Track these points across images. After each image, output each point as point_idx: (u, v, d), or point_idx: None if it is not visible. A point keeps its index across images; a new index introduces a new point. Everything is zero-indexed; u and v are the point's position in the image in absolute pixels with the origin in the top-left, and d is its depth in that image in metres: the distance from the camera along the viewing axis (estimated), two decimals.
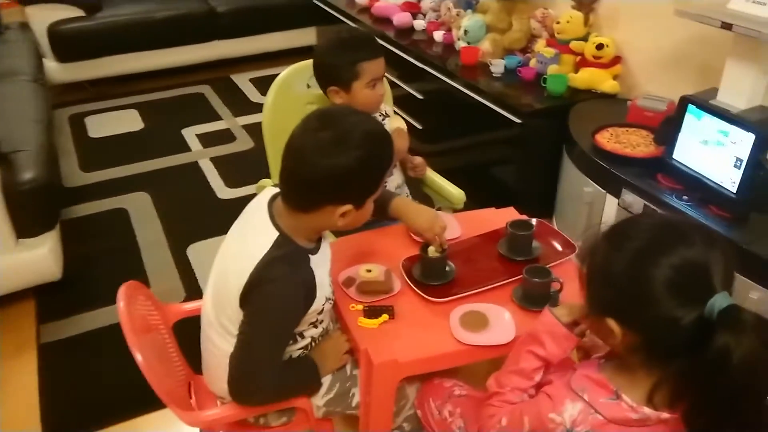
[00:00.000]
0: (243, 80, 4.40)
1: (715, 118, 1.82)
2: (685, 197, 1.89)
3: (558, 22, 2.66)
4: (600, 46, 2.51)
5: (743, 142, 1.74)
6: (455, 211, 2.07)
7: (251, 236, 1.30)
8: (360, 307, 1.50)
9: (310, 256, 1.30)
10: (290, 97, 2.01)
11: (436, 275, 1.57)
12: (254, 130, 3.72)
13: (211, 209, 2.99)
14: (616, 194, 2.06)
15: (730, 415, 0.89)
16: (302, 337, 1.39)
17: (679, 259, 0.91)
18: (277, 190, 1.33)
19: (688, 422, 0.93)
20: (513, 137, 2.52)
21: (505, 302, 1.52)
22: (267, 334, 1.27)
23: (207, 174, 3.28)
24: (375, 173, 1.28)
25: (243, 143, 3.60)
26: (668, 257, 0.91)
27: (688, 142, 1.93)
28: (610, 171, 2.08)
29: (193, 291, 2.45)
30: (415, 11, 3.48)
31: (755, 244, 1.70)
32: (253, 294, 1.23)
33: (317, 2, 4.13)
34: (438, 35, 3.17)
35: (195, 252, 2.68)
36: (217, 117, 3.90)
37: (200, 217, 2.92)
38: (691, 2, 2.18)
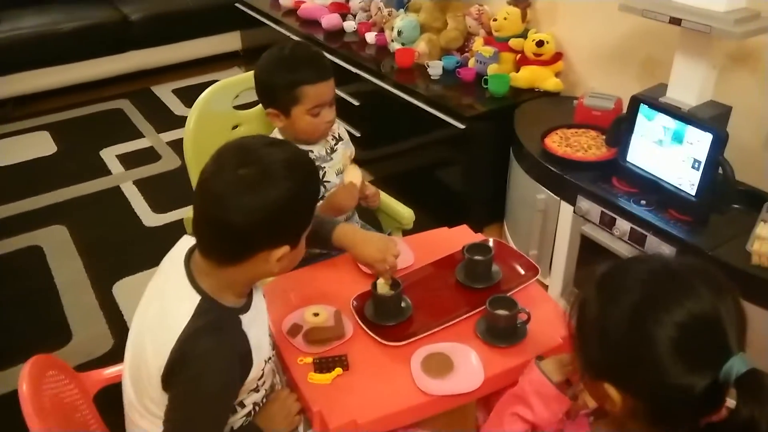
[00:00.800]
0: (165, 92, 4.11)
1: (669, 118, 1.74)
2: (643, 202, 1.81)
3: (495, 19, 2.54)
4: (540, 43, 2.41)
5: (700, 142, 1.66)
6: (404, 231, 1.92)
7: (169, 303, 1.11)
8: (309, 360, 1.33)
9: (240, 317, 1.12)
10: (214, 120, 1.81)
11: (390, 314, 1.41)
12: (181, 147, 3.46)
13: (137, 239, 2.74)
14: (571, 201, 1.96)
15: None
16: (242, 406, 1.20)
17: (684, 316, 0.79)
18: (191, 239, 1.14)
19: None
20: (457, 143, 2.39)
21: (468, 338, 1.38)
22: (199, 420, 1.08)
23: (131, 199, 3.01)
24: (307, 204, 1.14)
25: (169, 162, 3.34)
26: (672, 314, 0.79)
27: (641, 143, 1.84)
28: (563, 177, 1.98)
29: (123, 336, 2.20)
30: (344, 12, 3.30)
31: (720, 248, 1.62)
32: (176, 375, 1.04)
33: (239, 5, 3.89)
34: (370, 37, 3.00)
35: (122, 290, 2.44)
36: (138, 134, 3.62)
37: (125, 249, 2.67)
38: None
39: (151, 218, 2.87)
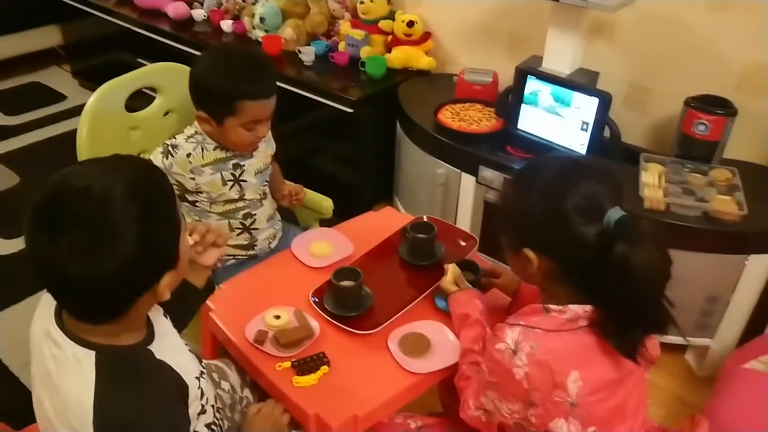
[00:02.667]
0: None
1: (555, 87, 1.91)
2: None
3: (362, 2, 2.56)
4: (411, 24, 2.48)
5: (587, 106, 1.85)
6: (323, 221, 1.90)
7: (62, 378, 0.91)
8: (287, 364, 1.28)
9: (149, 348, 0.99)
10: (109, 127, 1.62)
11: (354, 304, 1.41)
12: (15, 161, 3.05)
13: None
14: (472, 172, 2.08)
15: (635, 315, 1.00)
16: None
17: (583, 191, 1.02)
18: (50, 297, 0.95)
19: (600, 325, 1.03)
20: (346, 126, 2.39)
21: (429, 312, 1.43)
22: None
23: None
24: (169, 223, 0.94)
25: (4, 180, 2.91)
26: (576, 187, 1.02)
27: (530, 111, 2.00)
28: (463, 150, 2.08)
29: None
30: (189, 0, 3.10)
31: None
32: None
33: None
34: (227, 25, 2.86)
35: None
36: None
37: None
38: None
39: (1, 246, 2.50)
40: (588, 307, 1.03)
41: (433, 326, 1.38)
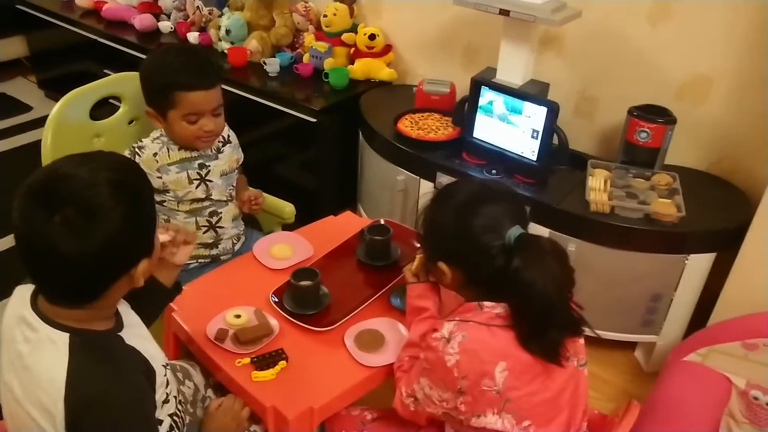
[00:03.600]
0: None
1: (508, 97, 2.00)
2: (493, 171, 2.07)
3: (325, 16, 2.64)
4: (372, 36, 2.57)
5: (537, 115, 1.94)
6: (285, 225, 1.96)
7: (35, 358, 0.97)
8: (246, 360, 1.34)
9: (119, 335, 1.05)
10: (72, 136, 1.67)
11: (312, 303, 1.47)
12: None
13: None
14: (430, 178, 2.16)
15: (541, 320, 1.09)
16: (160, 422, 1.09)
17: (490, 210, 1.16)
18: (25, 286, 1.04)
19: (515, 332, 1.11)
20: (309, 135, 2.46)
21: (385, 310, 1.50)
22: None
23: None
24: (146, 214, 1.03)
25: None
26: (483, 208, 1.16)
27: (484, 120, 2.09)
28: (420, 157, 2.16)
29: None
30: (156, 12, 3.14)
31: (564, 201, 1.93)
32: (83, 425, 0.93)
33: (22, 7, 3.48)
34: (193, 37, 2.91)
35: None
36: None
37: None
38: None
39: None
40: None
41: (388, 323, 1.45)
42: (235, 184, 1.79)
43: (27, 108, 3.66)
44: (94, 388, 0.95)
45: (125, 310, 1.12)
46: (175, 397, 1.15)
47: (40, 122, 3.45)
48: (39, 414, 0.95)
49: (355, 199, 2.68)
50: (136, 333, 1.09)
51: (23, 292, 1.04)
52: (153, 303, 1.28)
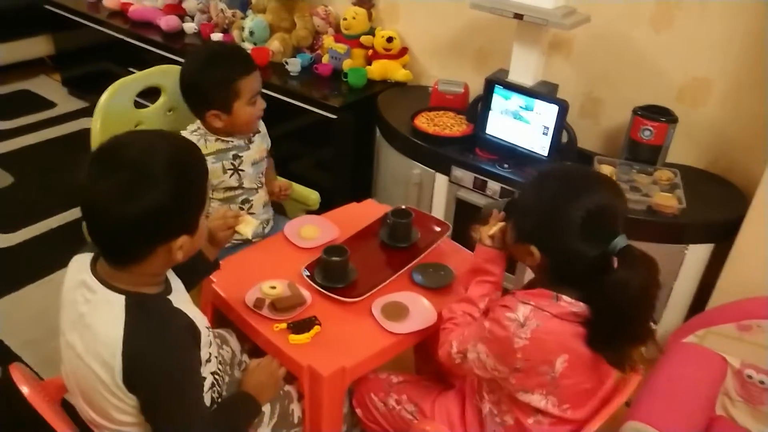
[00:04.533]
0: None
1: (520, 96, 2.13)
2: (505, 165, 2.19)
3: (345, 19, 2.78)
4: (390, 39, 2.71)
5: (548, 112, 2.07)
6: (309, 212, 2.09)
7: (95, 317, 1.08)
8: (283, 325, 1.46)
9: (168, 298, 1.16)
10: (118, 122, 1.79)
11: (341, 277, 1.59)
12: (9, 163, 3.17)
13: None
14: (445, 172, 2.29)
15: (624, 330, 1.13)
16: (203, 379, 1.22)
17: (590, 204, 1.12)
18: (83, 255, 1.16)
19: (589, 337, 1.15)
20: (329, 131, 2.59)
21: (407, 286, 1.62)
22: (180, 403, 1.12)
23: None
24: (195, 195, 1.12)
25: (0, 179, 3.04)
26: (581, 201, 1.12)
27: (497, 117, 2.23)
28: (437, 152, 2.29)
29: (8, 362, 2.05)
30: (180, 14, 3.28)
31: None
32: (138, 376, 1.06)
33: (49, 7, 3.62)
34: (216, 38, 3.05)
35: None
36: None
37: None
38: None
39: (1, 240, 2.62)
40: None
41: (411, 296, 1.57)
42: (264, 172, 1.91)
43: (51, 104, 3.79)
44: (147, 344, 1.06)
45: (171, 276, 1.23)
46: (216, 357, 1.28)
47: (64, 118, 3.65)
48: (99, 367, 1.07)
49: (369, 192, 2.81)
50: (182, 297, 1.21)
51: (82, 259, 1.16)
52: (194, 273, 1.39)
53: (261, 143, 1.87)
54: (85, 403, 1.16)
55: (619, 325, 1.12)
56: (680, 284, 2.08)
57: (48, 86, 4.02)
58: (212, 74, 1.65)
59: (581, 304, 1.15)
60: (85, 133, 3.44)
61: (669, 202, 1.97)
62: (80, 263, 1.15)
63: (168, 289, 1.19)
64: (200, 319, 1.21)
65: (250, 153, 1.83)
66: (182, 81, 1.71)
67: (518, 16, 2.07)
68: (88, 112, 3.65)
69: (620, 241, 1.11)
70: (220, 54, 1.69)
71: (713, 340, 1.81)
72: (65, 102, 3.82)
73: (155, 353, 1.07)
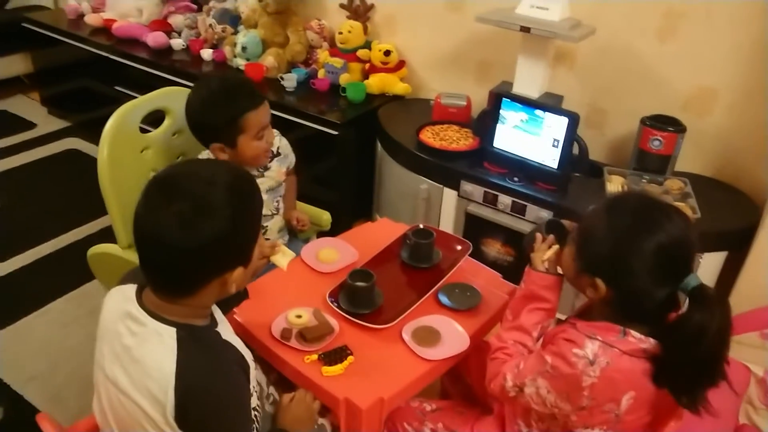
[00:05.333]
0: None
1: (528, 108, 2.12)
2: (515, 179, 2.17)
3: (341, 33, 2.74)
4: (387, 52, 2.68)
5: (558, 125, 2.06)
6: (321, 233, 2.04)
7: (144, 349, 1.04)
8: (314, 356, 1.41)
9: (217, 330, 1.13)
10: (125, 148, 1.72)
11: (368, 302, 1.54)
12: None
13: None
14: (454, 186, 2.26)
15: (700, 372, 1.09)
16: None
17: (664, 238, 1.07)
18: (126, 286, 1.12)
19: (663, 369, 1.10)
20: (330, 148, 2.55)
21: (435, 309, 1.58)
22: None
23: None
24: (251, 224, 1.10)
25: None
26: (655, 236, 1.07)
27: (505, 130, 2.21)
28: (444, 166, 2.27)
29: (10, 398, 1.95)
30: (166, 30, 3.20)
31: (588, 207, 2.04)
32: (192, 412, 1.01)
33: (28, 25, 3.50)
34: (206, 54, 2.99)
35: None
36: None
37: None
38: (467, 7, 2.48)
39: None
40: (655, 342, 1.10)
41: (441, 319, 1.53)
42: (281, 197, 1.86)
43: (31, 125, 3.67)
44: (202, 379, 1.01)
45: (216, 311, 1.18)
46: (256, 391, 1.22)
47: (46, 138, 3.54)
48: (148, 403, 1.01)
49: (370, 209, 2.77)
50: (228, 330, 1.17)
51: (125, 290, 1.10)
52: (227, 303, 1.34)
53: (279, 167, 1.82)
54: None
55: (695, 368, 1.07)
56: None
57: (26, 106, 3.89)
58: (218, 110, 1.59)
59: (651, 340, 1.10)
60: (71, 154, 3.37)
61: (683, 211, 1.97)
62: (123, 294, 1.10)
63: (215, 321, 1.14)
64: (247, 352, 1.16)
65: (264, 180, 1.78)
66: (187, 113, 1.65)
67: (525, 30, 2.06)
68: (71, 132, 3.56)
69: (693, 279, 1.07)
70: (226, 89, 1.61)
71: (736, 348, 1.79)
72: (46, 122, 3.70)
73: (210, 389, 1.02)
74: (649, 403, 1.14)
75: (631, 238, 1.08)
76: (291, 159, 1.87)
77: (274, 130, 1.77)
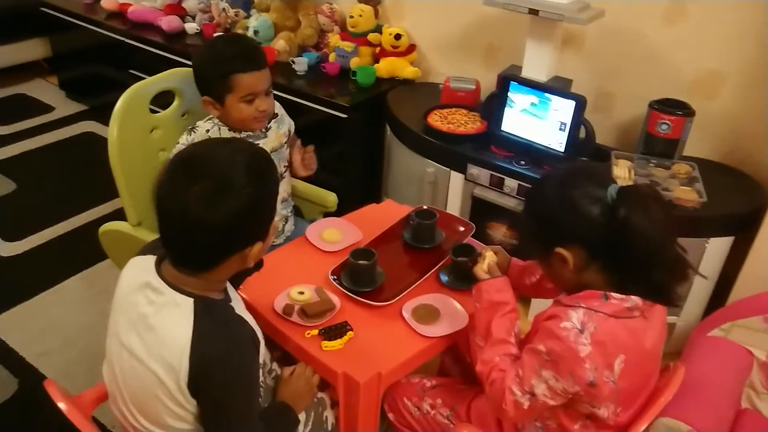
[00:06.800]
0: None
1: (536, 91, 2.12)
2: (522, 162, 2.18)
3: (351, 16, 2.75)
4: (398, 36, 2.68)
5: (565, 108, 2.06)
6: (327, 213, 2.06)
7: (160, 318, 1.08)
8: (315, 332, 1.44)
9: (231, 305, 1.16)
10: (134, 127, 1.76)
11: (370, 281, 1.57)
12: (9, 169, 3.11)
13: None
14: (461, 170, 2.27)
15: (650, 261, 1.11)
16: None
17: (586, 181, 1.17)
18: (145, 257, 1.15)
19: (619, 274, 1.14)
20: (339, 131, 2.57)
21: (435, 288, 1.61)
22: (241, 408, 1.11)
23: None
24: (270, 201, 1.14)
25: (1, 187, 2.98)
26: (580, 181, 1.17)
27: (512, 114, 2.21)
28: (452, 150, 2.28)
29: (26, 375, 2.01)
30: (181, 14, 3.24)
31: None
32: (204, 381, 1.05)
33: (46, 9, 3.56)
34: None
35: (3, 327, 2.18)
36: None
37: None
38: None
39: (6, 248, 2.58)
40: (640, 300, 1.13)
41: (441, 298, 1.55)
42: (287, 162, 1.89)
43: (50, 108, 3.74)
44: (216, 349, 1.06)
45: (229, 286, 1.22)
46: (261, 366, 1.25)
47: (64, 122, 3.60)
48: (162, 370, 1.05)
49: (378, 193, 2.79)
50: (241, 305, 1.20)
51: (143, 262, 1.14)
52: (240, 274, 1.37)
53: (277, 129, 1.85)
54: (135, 408, 1.14)
55: (644, 259, 1.10)
56: (701, 278, 2.07)
57: (45, 90, 3.96)
58: (213, 64, 1.65)
59: (633, 297, 1.12)
60: (87, 137, 3.43)
61: (689, 195, 1.96)
62: (142, 265, 1.14)
63: (228, 296, 1.18)
64: (258, 328, 1.20)
65: (267, 141, 1.81)
66: (192, 65, 1.74)
67: (533, 12, 2.06)
68: (87, 115, 3.62)
69: (612, 188, 1.13)
70: (227, 47, 1.68)
71: (739, 332, 1.81)
72: (63, 105, 3.77)
73: (224, 359, 1.06)
74: (638, 367, 1.16)
75: (541, 199, 1.22)
76: (289, 122, 1.90)
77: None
